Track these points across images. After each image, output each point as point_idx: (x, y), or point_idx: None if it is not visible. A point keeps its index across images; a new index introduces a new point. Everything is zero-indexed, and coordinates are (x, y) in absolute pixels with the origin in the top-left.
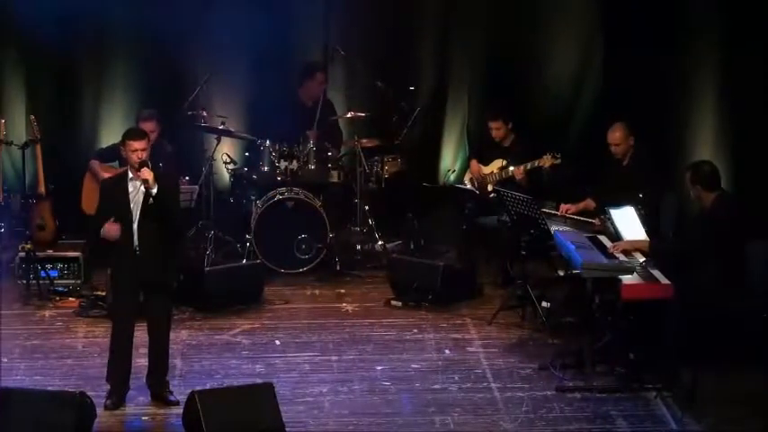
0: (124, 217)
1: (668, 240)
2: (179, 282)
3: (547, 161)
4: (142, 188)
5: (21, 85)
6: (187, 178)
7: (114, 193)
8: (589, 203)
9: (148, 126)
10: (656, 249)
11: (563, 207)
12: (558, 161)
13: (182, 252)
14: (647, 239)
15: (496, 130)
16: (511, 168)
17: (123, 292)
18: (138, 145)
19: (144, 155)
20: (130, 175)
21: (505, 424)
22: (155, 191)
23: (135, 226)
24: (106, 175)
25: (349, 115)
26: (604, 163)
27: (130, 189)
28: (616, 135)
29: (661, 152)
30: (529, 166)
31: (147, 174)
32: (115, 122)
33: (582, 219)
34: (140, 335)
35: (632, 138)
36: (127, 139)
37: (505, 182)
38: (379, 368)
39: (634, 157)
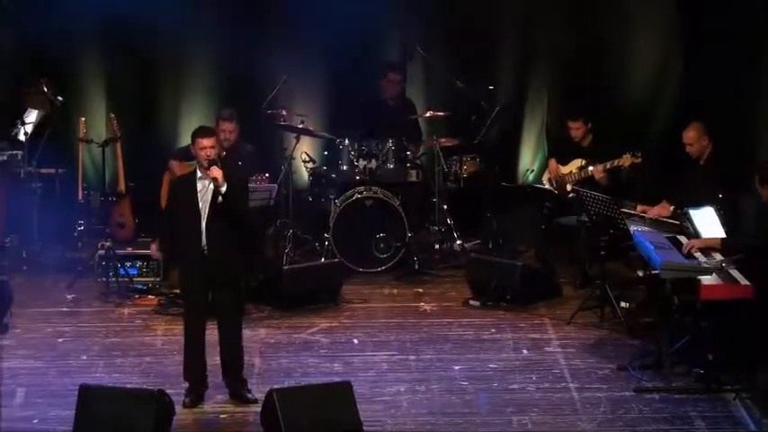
0: (193, 215)
1: (740, 237)
2: (258, 281)
3: (627, 160)
4: (211, 186)
5: (101, 83)
6: (267, 175)
7: (183, 191)
8: (665, 207)
9: (229, 126)
10: (727, 245)
11: (639, 208)
12: (639, 160)
13: (260, 251)
14: (721, 237)
15: (576, 129)
16: (590, 168)
17: (193, 290)
18: (207, 143)
19: (213, 153)
20: (199, 173)
21: (583, 424)
22: (224, 189)
23: (204, 224)
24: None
25: (428, 114)
26: (683, 164)
27: (199, 187)
28: (690, 134)
29: (741, 153)
30: (608, 165)
31: (216, 172)
32: (194, 121)
33: (662, 219)
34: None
35: (706, 138)
36: (196, 137)
37: (584, 182)
38: (457, 368)
39: (710, 158)
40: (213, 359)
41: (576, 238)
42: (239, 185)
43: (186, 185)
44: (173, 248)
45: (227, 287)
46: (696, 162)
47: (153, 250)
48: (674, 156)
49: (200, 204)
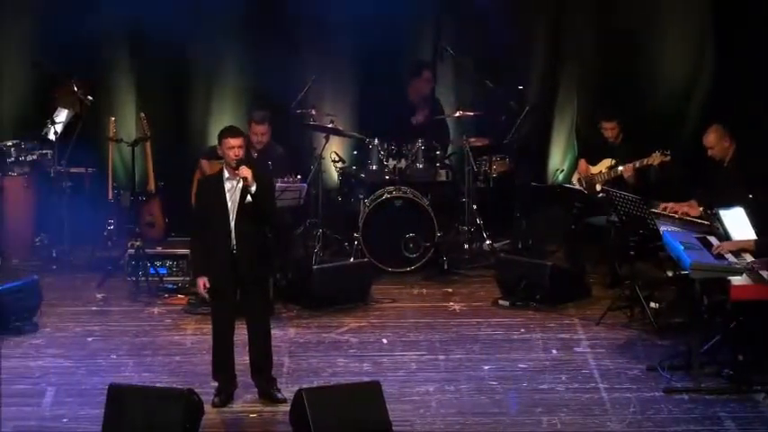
0: (221, 215)
1: None
2: (287, 280)
3: (656, 159)
4: (239, 186)
5: (131, 83)
6: (299, 177)
7: (211, 191)
8: (692, 205)
9: (261, 129)
10: (761, 247)
11: (663, 205)
12: (668, 158)
13: (289, 250)
14: (754, 239)
15: (610, 130)
16: (620, 168)
17: (221, 291)
18: (234, 142)
19: (241, 152)
20: (227, 173)
21: (613, 425)
22: (254, 188)
23: (232, 224)
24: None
25: (457, 114)
26: (710, 165)
27: (227, 187)
28: (710, 138)
29: None
30: (638, 164)
31: (245, 171)
32: (225, 121)
33: (692, 219)
34: (244, 332)
35: (728, 139)
36: (223, 137)
37: (614, 181)
38: (486, 368)
39: (734, 159)
40: (242, 359)
41: (605, 238)
42: (267, 185)
43: (214, 185)
44: (203, 250)
45: (256, 286)
46: (720, 164)
47: (200, 286)
48: (704, 155)
49: (229, 204)
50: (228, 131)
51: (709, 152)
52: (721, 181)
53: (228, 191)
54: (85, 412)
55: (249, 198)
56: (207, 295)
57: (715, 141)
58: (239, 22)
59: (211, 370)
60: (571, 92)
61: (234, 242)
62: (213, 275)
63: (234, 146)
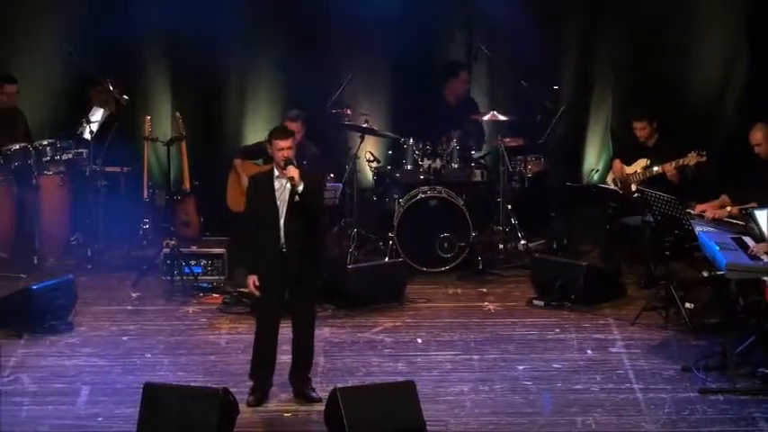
0: (271, 214)
1: None
2: (323, 279)
3: (692, 159)
4: (288, 186)
5: (167, 82)
6: (332, 175)
7: (261, 190)
8: (724, 201)
9: (295, 127)
10: None
11: (699, 207)
12: (704, 159)
13: (325, 250)
14: None
15: (641, 129)
16: (655, 168)
17: (269, 289)
18: (284, 143)
19: (290, 153)
20: (276, 173)
21: (647, 425)
22: (300, 188)
23: (281, 223)
24: (245, 178)
25: (488, 117)
26: (748, 163)
27: (276, 186)
28: (757, 135)
29: None
30: (674, 164)
31: (293, 171)
32: (259, 120)
33: (727, 220)
34: (283, 332)
35: None
36: (273, 138)
37: (649, 181)
38: (521, 368)
39: None
40: (278, 358)
41: (640, 239)
42: (315, 184)
43: (264, 184)
44: (254, 249)
45: (304, 286)
46: (765, 162)
47: (250, 284)
48: (738, 155)
49: (278, 203)
50: (278, 132)
51: (756, 149)
52: (763, 180)
53: (278, 190)
54: (120, 411)
55: (297, 198)
56: (257, 293)
57: (762, 139)
58: (273, 22)
59: (250, 368)
60: (606, 92)
61: (283, 241)
62: (263, 274)
63: (283, 147)
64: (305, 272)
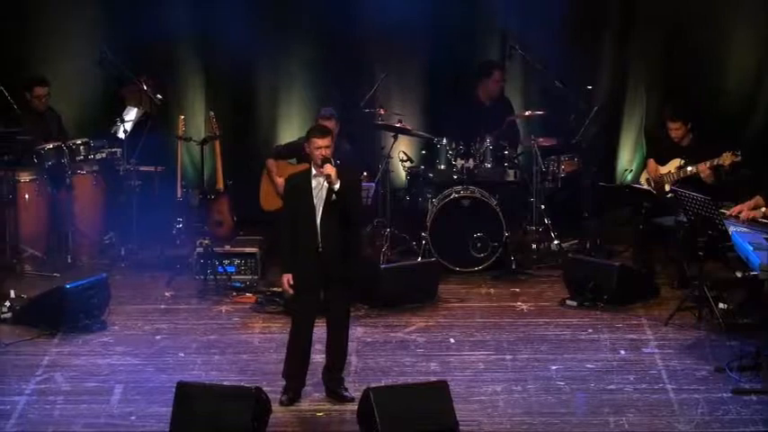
0: (308, 213)
1: None
2: (355, 280)
3: (727, 159)
4: (325, 184)
5: (200, 82)
6: (365, 174)
7: (298, 189)
8: (758, 201)
9: (328, 124)
10: None
11: (735, 209)
12: (738, 159)
13: (360, 249)
14: None
15: (676, 130)
16: (689, 168)
17: (305, 288)
18: (322, 142)
19: (327, 152)
20: (313, 171)
21: (680, 426)
22: (337, 186)
23: (318, 222)
24: (278, 178)
25: (526, 114)
26: None
27: (314, 185)
28: None
29: None
30: (708, 164)
31: (329, 169)
32: (293, 120)
33: (761, 220)
34: (316, 331)
35: None
36: (311, 136)
37: (683, 181)
38: (554, 368)
39: None
40: (312, 357)
41: (674, 239)
42: (352, 183)
43: (301, 183)
44: (291, 248)
45: (341, 285)
46: None
47: (284, 284)
48: None
49: (315, 202)
50: (316, 131)
51: None
52: None
53: (314, 189)
54: (153, 410)
55: (334, 196)
56: (290, 291)
57: None
58: (307, 21)
59: (283, 367)
60: (640, 92)
61: (320, 240)
62: (299, 273)
63: (321, 146)
64: (341, 271)
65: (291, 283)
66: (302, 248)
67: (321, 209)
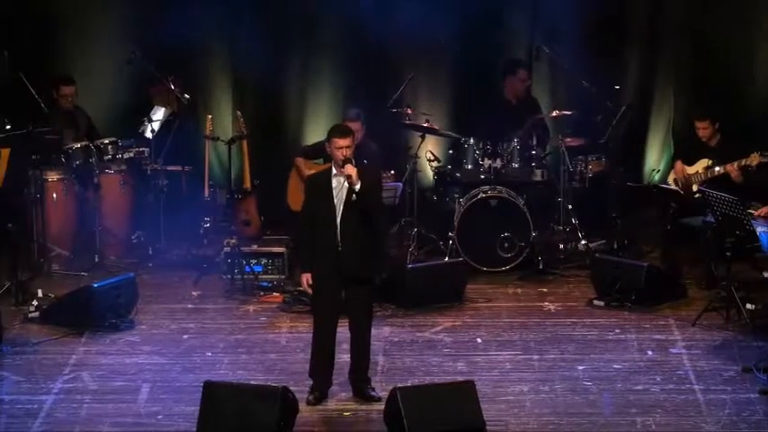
0: (328, 213)
1: None
2: (382, 279)
3: (755, 159)
4: (345, 184)
5: (228, 81)
6: (392, 172)
7: (319, 189)
8: None
9: (355, 126)
10: None
11: (764, 210)
12: (766, 159)
13: (385, 249)
14: None
15: (703, 129)
16: (717, 168)
17: (325, 288)
18: (343, 142)
19: (348, 152)
20: (334, 171)
21: (708, 426)
22: (358, 187)
23: (338, 222)
24: (309, 173)
25: (554, 114)
26: None
27: (334, 185)
28: None
29: None
30: (736, 165)
31: (350, 170)
32: (320, 120)
33: None
34: (343, 331)
35: None
36: (332, 136)
37: (711, 182)
38: (581, 368)
39: None
40: (338, 357)
41: (701, 239)
42: (373, 184)
43: (322, 183)
44: (310, 248)
45: (361, 285)
46: None
47: (303, 282)
48: None
49: (335, 202)
50: (337, 131)
51: None
52: None
53: (335, 188)
54: (180, 409)
55: (354, 196)
56: (309, 291)
57: None
58: (335, 22)
59: (309, 367)
60: (668, 92)
61: (339, 240)
62: (319, 273)
63: (342, 146)
64: (362, 271)
65: (310, 282)
66: (322, 248)
67: (341, 209)
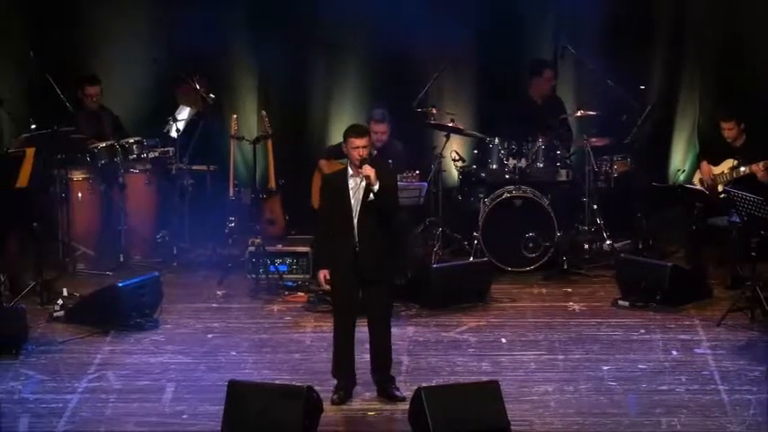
0: (345, 213)
1: None
2: (406, 279)
3: None
4: (362, 184)
5: (253, 81)
6: (417, 172)
7: (335, 189)
8: None
9: (380, 128)
10: None
11: None
12: None
13: (409, 249)
14: None
15: (729, 130)
16: (742, 168)
17: (343, 287)
18: (359, 142)
19: (365, 152)
20: (350, 171)
21: (733, 427)
22: (376, 187)
23: (355, 222)
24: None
25: (578, 114)
26: None
27: (351, 185)
28: None
29: None
30: (762, 165)
31: (368, 170)
32: (344, 119)
33: None
34: (365, 330)
35: None
36: (348, 136)
37: (736, 182)
38: (606, 368)
39: None
40: (362, 356)
41: (726, 239)
42: (390, 184)
43: (338, 183)
44: (327, 246)
45: (378, 285)
46: None
47: (321, 278)
48: None
49: (352, 202)
50: (353, 131)
51: None
52: None
53: (352, 189)
54: (205, 408)
55: (371, 197)
56: (327, 287)
57: None
58: (359, 21)
59: (332, 367)
60: (693, 92)
61: (356, 240)
62: (336, 273)
63: (358, 146)
64: (380, 271)
65: (328, 277)
66: (339, 248)
67: (358, 209)
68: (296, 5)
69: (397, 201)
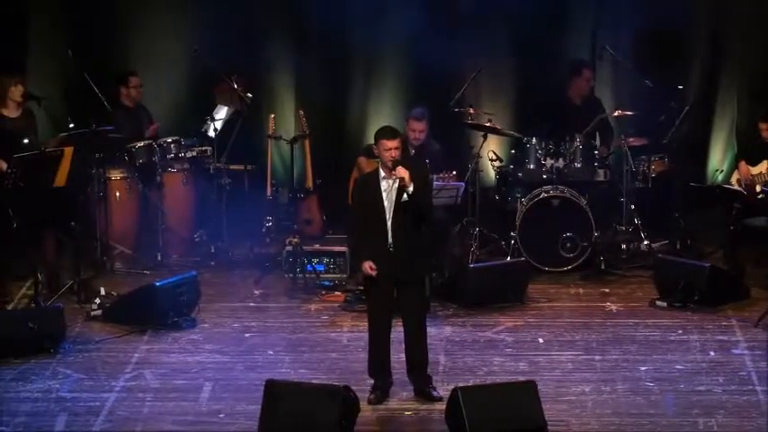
0: (378, 214)
1: None
2: (444, 278)
3: None
4: (395, 185)
5: (290, 80)
6: (454, 172)
7: (368, 190)
8: None
9: (419, 126)
10: None
11: None
12: None
13: (446, 249)
14: None
15: (767, 130)
16: None
17: (378, 288)
18: (391, 144)
19: (397, 153)
20: (382, 173)
21: None
22: (411, 189)
23: (389, 223)
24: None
25: (616, 114)
26: None
27: (383, 186)
28: None
29: None
30: None
31: (402, 172)
32: (382, 119)
33: None
34: (402, 330)
35: None
36: (379, 138)
37: None
38: (643, 369)
39: None
40: (398, 356)
41: (764, 240)
42: (424, 184)
43: (370, 184)
44: (362, 246)
45: (413, 285)
46: None
47: (366, 268)
48: None
49: (385, 203)
50: (384, 133)
51: None
52: None
53: (385, 190)
54: (242, 408)
55: (405, 197)
56: (373, 273)
57: None
58: (398, 19)
59: (368, 367)
60: (732, 92)
61: (390, 240)
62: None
63: (390, 147)
64: (414, 271)
65: (374, 267)
66: (374, 248)
67: (391, 210)
68: (334, 6)
69: (431, 199)
